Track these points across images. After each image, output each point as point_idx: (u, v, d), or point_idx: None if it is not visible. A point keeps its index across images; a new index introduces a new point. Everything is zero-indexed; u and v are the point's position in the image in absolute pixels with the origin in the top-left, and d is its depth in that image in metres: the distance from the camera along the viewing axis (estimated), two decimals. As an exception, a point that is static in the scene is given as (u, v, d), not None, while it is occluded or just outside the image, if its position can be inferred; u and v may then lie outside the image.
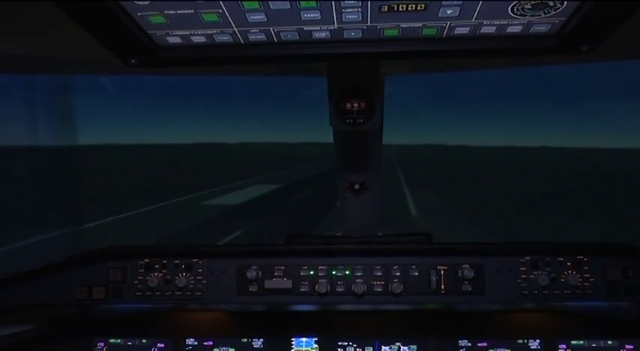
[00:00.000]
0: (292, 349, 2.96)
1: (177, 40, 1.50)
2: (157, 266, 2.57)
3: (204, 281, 2.56)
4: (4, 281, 2.53)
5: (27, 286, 2.54)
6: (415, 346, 2.92)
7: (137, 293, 2.55)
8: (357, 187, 2.71)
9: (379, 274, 2.53)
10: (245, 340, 2.97)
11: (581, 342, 2.87)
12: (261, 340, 2.96)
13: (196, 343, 2.96)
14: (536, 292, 2.48)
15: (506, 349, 2.89)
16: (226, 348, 2.96)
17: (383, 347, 2.94)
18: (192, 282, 2.55)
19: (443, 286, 2.51)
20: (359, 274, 2.53)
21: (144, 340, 2.96)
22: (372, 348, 2.95)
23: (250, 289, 2.53)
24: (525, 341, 2.89)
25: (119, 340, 2.97)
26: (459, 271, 2.51)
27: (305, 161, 36.40)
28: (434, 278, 2.50)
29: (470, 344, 2.90)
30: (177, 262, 2.57)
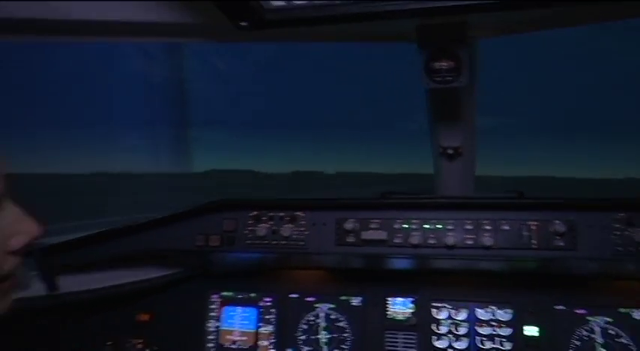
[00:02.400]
0: (388, 308, 3.10)
1: (282, 3, 1.75)
2: (264, 218, 2.86)
3: (307, 232, 2.80)
4: (132, 229, 2.91)
5: (152, 234, 2.92)
6: (512, 311, 2.91)
7: (247, 242, 2.85)
8: (450, 152, 2.78)
9: (470, 227, 2.59)
10: (344, 297, 3.17)
11: None
12: (360, 298, 3.14)
13: (300, 298, 3.22)
14: (632, 248, 2.36)
15: (607, 318, 2.75)
16: (327, 304, 3.18)
17: (478, 310, 2.96)
18: (296, 233, 2.81)
19: (534, 241, 2.51)
20: (450, 227, 2.62)
21: (252, 294, 3.28)
22: (467, 311, 2.98)
23: (348, 240, 2.74)
24: (629, 311, 2.74)
25: (231, 293, 3.32)
26: (551, 226, 2.49)
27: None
28: (525, 233, 2.52)
29: (568, 310, 2.82)
30: (283, 214, 2.84)
